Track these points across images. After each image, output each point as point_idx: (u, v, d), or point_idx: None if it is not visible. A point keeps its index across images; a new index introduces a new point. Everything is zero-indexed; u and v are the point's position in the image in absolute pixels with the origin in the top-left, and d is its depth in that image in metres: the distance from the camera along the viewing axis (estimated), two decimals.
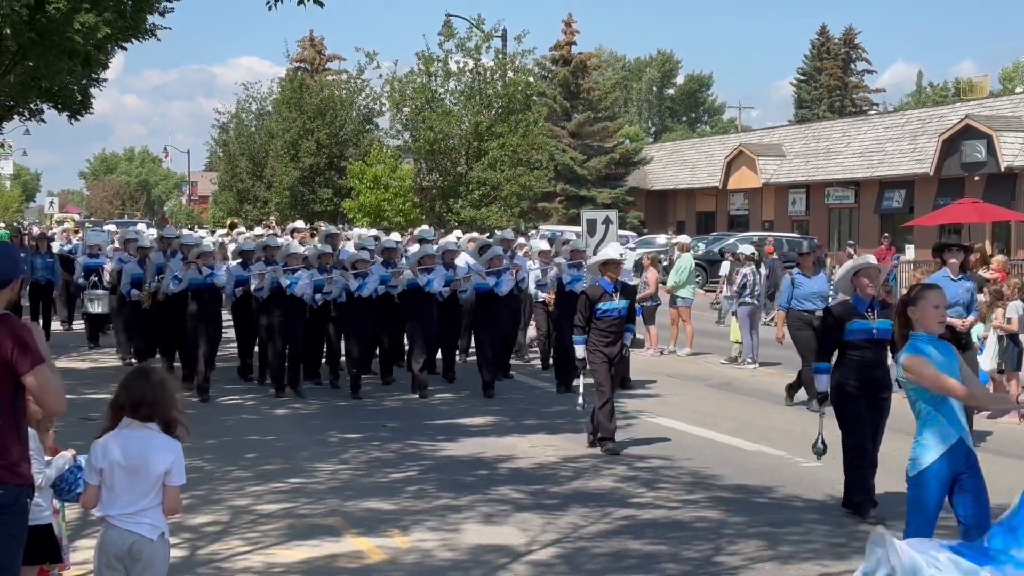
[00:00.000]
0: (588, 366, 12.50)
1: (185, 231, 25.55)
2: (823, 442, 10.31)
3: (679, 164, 66.45)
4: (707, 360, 21.19)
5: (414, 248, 18.47)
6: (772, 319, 20.82)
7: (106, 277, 21.02)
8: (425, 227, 24.98)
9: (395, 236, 22.87)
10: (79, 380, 16.79)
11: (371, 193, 36.80)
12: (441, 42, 35.70)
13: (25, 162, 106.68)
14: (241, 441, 13.33)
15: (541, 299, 18.67)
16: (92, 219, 69.52)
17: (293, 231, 24.74)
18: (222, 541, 9.07)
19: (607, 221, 22.60)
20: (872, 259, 10.69)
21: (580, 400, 13.05)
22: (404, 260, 17.49)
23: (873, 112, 76.47)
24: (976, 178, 43.53)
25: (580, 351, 12.56)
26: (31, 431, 6.08)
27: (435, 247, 17.94)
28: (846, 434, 9.88)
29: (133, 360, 18.12)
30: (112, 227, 30.02)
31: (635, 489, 11.00)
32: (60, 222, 61.04)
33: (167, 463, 5.80)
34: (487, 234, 24.86)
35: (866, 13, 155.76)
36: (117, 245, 21.29)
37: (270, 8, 13.07)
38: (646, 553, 8.86)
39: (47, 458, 6.38)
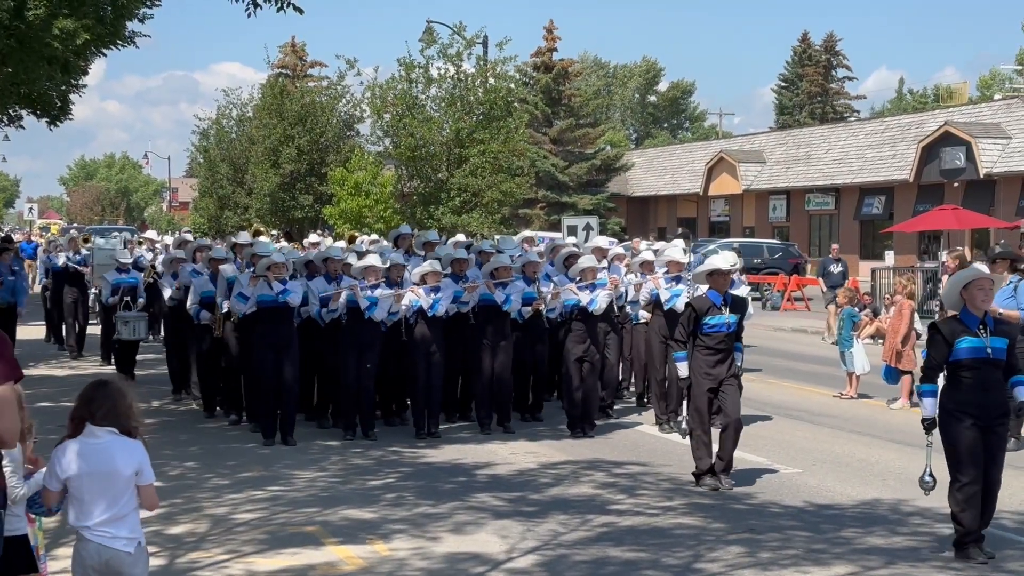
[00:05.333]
0: (691, 388, 11.28)
1: (207, 240, 22.14)
2: (931, 474, 9.14)
3: (660, 170, 66.64)
4: None
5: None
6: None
7: (168, 293, 17.07)
8: (504, 237, 21.33)
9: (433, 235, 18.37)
10: (58, 388, 16.69)
11: (352, 199, 36.68)
12: (422, 49, 35.70)
13: (4, 168, 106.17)
14: (220, 449, 13.28)
15: (643, 320, 15.49)
16: (76, 225, 68.92)
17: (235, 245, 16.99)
18: (201, 549, 9.03)
19: (587, 227, 22.70)
20: (984, 269, 9.81)
21: (684, 425, 11.52)
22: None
23: (853, 119, 76.80)
24: (955, 184, 43.78)
25: (684, 369, 11.28)
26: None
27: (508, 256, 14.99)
28: (953, 466, 8.82)
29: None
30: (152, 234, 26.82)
31: (614, 496, 10.99)
32: (44, 228, 60.33)
33: (134, 464, 5.78)
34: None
35: (851, 21, 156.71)
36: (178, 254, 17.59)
37: (249, 15, 13.06)
38: (626, 560, 8.86)
39: (27, 467, 6.34)
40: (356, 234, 25.45)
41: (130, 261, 19.71)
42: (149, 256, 21.73)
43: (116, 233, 35.23)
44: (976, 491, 8.68)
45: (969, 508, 8.68)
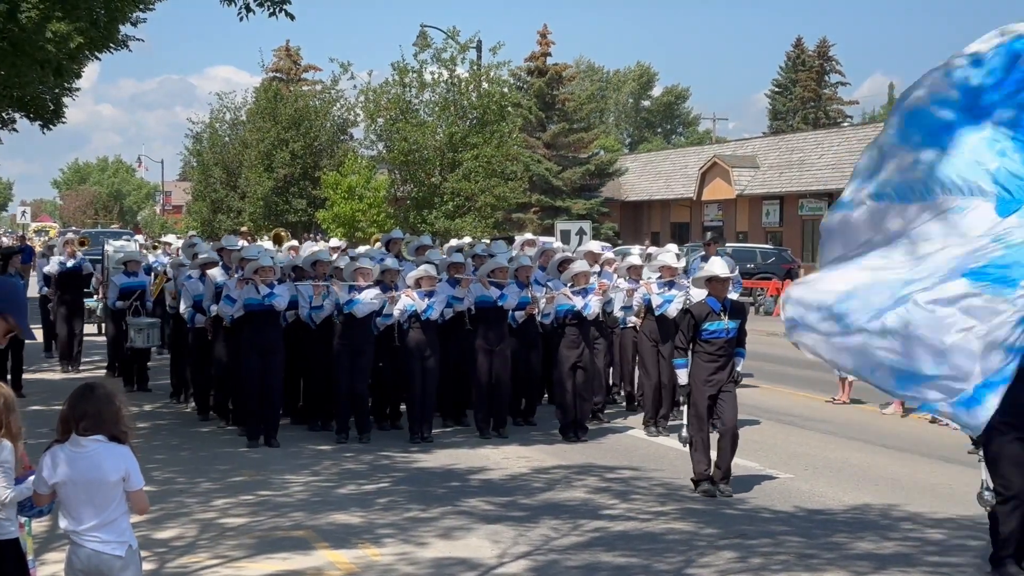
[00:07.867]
0: (691, 394, 11.26)
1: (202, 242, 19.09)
2: (989, 488, 8.57)
3: (654, 175, 66.65)
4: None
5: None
6: None
7: (168, 298, 16.92)
8: (497, 243, 20.36)
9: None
10: (51, 391, 16.66)
11: (345, 204, 36.72)
12: (416, 53, 35.79)
13: None
14: (212, 453, 13.24)
15: (631, 324, 15.45)
16: (72, 228, 68.61)
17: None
18: (191, 554, 9.01)
19: (581, 232, 22.72)
20: None
21: (684, 433, 11.35)
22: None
23: (847, 124, 76.90)
24: None
25: (683, 376, 11.30)
26: (8, 444, 5.99)
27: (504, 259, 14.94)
28: (996, 479, 8.47)
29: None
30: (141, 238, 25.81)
31: (607, 500, 10.99)
32: (39, 232, 60.04)
33: (121, 470, 5.77)
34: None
35: (844, 26, 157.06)
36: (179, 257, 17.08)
37: (241, 19, 13.07)
38: (618, 565, 8.85)
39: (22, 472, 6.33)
40: (379, 236, 25.27)
41: (141, 260, 18.68)
42: (166, 261, 19.22)
43: (127, 237, 33.15)
44: (1019, 505, 8.43)
45: (1012, 523, 8.44)
